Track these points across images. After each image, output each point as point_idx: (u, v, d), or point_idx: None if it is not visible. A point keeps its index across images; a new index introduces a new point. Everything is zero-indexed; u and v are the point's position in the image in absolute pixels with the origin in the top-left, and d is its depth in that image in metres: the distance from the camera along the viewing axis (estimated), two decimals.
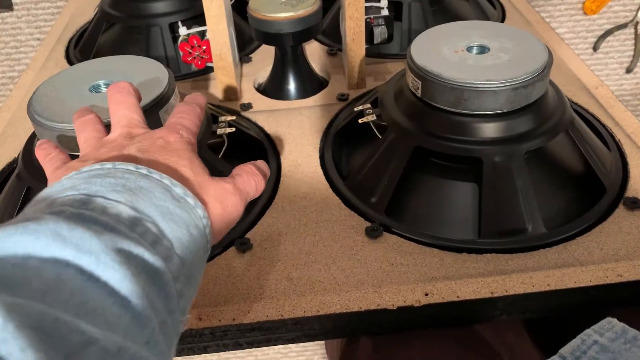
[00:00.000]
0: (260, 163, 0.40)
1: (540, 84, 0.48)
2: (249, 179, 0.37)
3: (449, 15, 0.76)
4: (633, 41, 1.06)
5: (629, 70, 1.07)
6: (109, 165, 0.31)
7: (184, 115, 0.39)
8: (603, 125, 0.59)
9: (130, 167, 0.31)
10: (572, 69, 0.68)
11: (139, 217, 0.28)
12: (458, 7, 0.78)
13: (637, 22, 1.03)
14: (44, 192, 0.29)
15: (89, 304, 0.23)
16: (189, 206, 0.31)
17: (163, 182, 0.31)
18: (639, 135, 0.57)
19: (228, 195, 0.35)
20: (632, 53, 1.06)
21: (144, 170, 0.31)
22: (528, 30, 0.76)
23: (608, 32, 1.04)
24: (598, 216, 0.49)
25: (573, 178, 0.52)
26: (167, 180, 0.31)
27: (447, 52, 0.51)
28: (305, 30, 0.62)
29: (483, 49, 0.51)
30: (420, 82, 0.50)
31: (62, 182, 0.30)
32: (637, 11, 1.03)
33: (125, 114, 0.38)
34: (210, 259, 0.48)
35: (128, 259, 0.26)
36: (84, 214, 0.27)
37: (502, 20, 0.80)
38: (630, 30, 1.05)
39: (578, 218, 0.48)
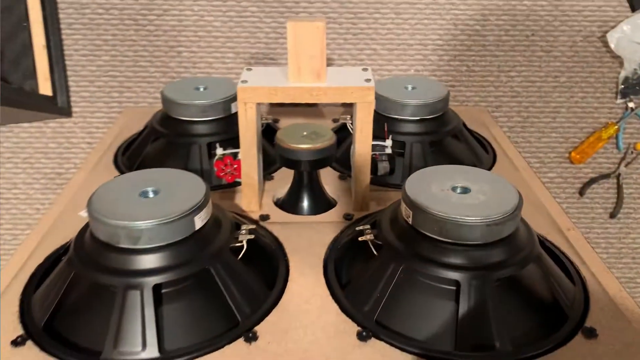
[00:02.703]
0: None
1: (510, 223, 0.58)
2: None
3: (445, 155, 0.88)
4: (616, 190, 1.17)
5: (612, 216, 1.17)
6: None
7: None
8: (571, 262, 0.68)
9: None
10: (550, 212, 0.78)
11: None
12: (454, 149, 0.90)
13: (619, 174, 1.15)
14: None
15: None
16: None
17: None
18: (602, 274, 0.66)
19: None
20: (615, 200, 1.17)
21: None
22: (515, 175, 0.88)
23: (593, 180, 1.16)
24: (558, 341, 0.56)
25: (539, 305, 0.60)
26: None
27: (435, 190, 0.62)
28: (321, 160, 0.74)
29: (465, 190, 0.62)
30: (411, 212, 0.60)
31: None
32: (619, 164, 1.15)
33: None
34: (220, 347, 0.56)
35: None
36: None
37: (493, 164, 0.92)
38: (613, 180, 1.16)
39: (541, 341, 0.56)
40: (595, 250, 0.70)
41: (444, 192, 0.61)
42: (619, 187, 1.16)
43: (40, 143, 1.17)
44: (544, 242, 0.70)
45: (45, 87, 1.12)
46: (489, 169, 0.90)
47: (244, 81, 0.72)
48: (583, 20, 1.12)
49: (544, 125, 1.17)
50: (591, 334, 0.57)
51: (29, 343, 0.56)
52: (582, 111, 1.17)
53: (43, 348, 0.55)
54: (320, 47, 0.69)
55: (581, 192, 1.17)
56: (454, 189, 0.62)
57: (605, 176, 1.16)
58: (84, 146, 1.18)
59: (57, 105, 1.14)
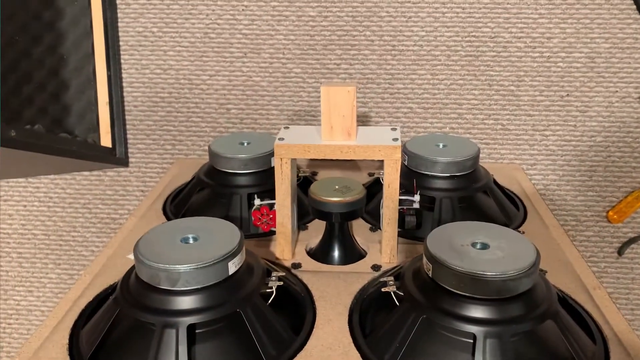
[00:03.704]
0: None
1: (526, 279, 0.60)
2: None
3: (474, 211, 0.91)
4: None
5: None
6: None
7: None
8: (594, 321, 0.68)
9: None
10: (577, 270, 0.79)
11: None
12: (484, 205, 0.93)
13: None
14: None
15: None
16: None
17: None
18: (625, 334, 0.66)
19: None
20: None
21: None
22: (544, 232, 0.90)
23: (632, 240, 1.15)
24: None
25: None
26: None
27: (456, 245, 0.65)
28: (350, 212, 0.79)
29: (484, 246, 0.65)
30: (431, 265, 0.63)
31: None
32: None
33: None
34: None
35: None
36: None
37: (523, 220, 0.94)
38: None
39: None
40: (620, 311, 0.70)
41: (464, 247, 0.64)
42: None
43: (98, 190, 1.27)
44: (566, 300, 0.71)
45: (106, 140, 1.23)
46: (519, 225, 0.92)
47: (281, 138, 0.78)
48: (619, 82, 1.14)
49: (580, 184, 1.18)
50: None
51: None
52: (619, 170, 1.17)
53: None
54: (350, 108, 0.75)
55: (620, 252, 1.16)
56: (473, 244, 0.65)
57: None
58: (137, 194, 1.27)
59: (115, 156, 1.24)
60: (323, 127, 0.77)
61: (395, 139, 0.77)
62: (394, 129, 0.81)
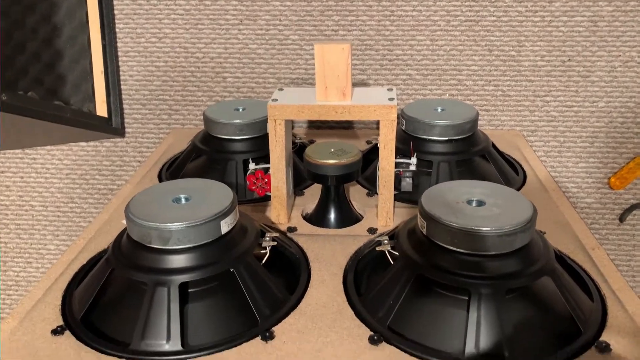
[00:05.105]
0: None
1: (523, 234, 0.59)
2: None
3: (473, 175, 0.89)
4: None
5: None
6: None
7: None
8: (592, 280, 0.67)
9: None
10: (576, 232, 0.78)
11: None
12: (482, 169, 0.91)
13: None
14: None
15: None
16: None
17: None
18: (623, 291, 0.65)
19: None
20: None
21: None
22: (544, 195, 0.88)
23: (634, 207, 1.13)
24: (570, 354, 0.56)
25: (552, 318, 0.60)
26: None
27: (451, 202, 0.64)
28: (346, 175, 0.78)
29: (480, 203, 0.64)
30: (426, 222, 0.62)
31: None
32: None
33: None
34: (238, 344, 0.59)
35: None
36: None
37: (522, 185, 0.92)
38: None
39: (552, 353, 0.56)
40: (619, 270, 0.69)
41: (459, 204, 0.63)
42: None
43: (95, 161, 1.27)
44: (564, 259, 0.70)
45: (101, 109, 1.21)
46: (518, 189, 0.91)
47: (275, 99, 0.76)
48: (622, 46, 1.12)
49: (581, 150, 1.16)
50: (605, 348, 0.56)
51: (67, 333, 0.61)
52: (621, 136, 1.15)
53: (79, 337, 0.61)
54: (345, 67, 0.74)
55: (621, 219, 1.15)
56: (469, 201, 0.64)
57: None
58: (134, 164, 1.26)
59: (111, 126, 1.23)
60: (317, 87, 0.75)
61: (391, 99, 0.75)
62: (390, 89, 0.79)
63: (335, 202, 0.82)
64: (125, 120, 1.25)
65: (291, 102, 0.76)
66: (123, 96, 1.24)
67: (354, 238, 0.77)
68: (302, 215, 0.85)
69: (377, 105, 0.74)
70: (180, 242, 0.61)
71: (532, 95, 1.15)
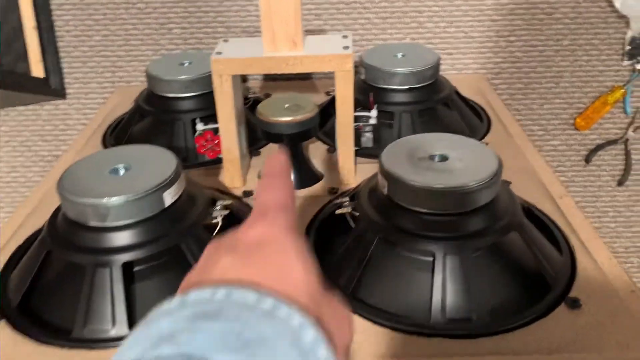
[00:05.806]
0: None
1: (487, 190, 0.56)
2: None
3: (436, 124, 0.85)
4: (624, 156, 1.12)
5: (620, 183, 1.13)
6: (221, 294, 0.23)
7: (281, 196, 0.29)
8: (560, 231, 0.65)
9: (250, 297, 0.23)
10: (543, 179, 0.75)
11: None
12: (445, 118, 0.87)
13: (626, 139, 1.11)
14: (133, 338, 0.22)
15: None
16: None
17: (291, 324, 0.22)
18: (592, 242, 0.63)
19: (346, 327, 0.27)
20: (623, 167, 1.13)
21: (268, 303, 0.23)
22: (508, 141, 0.85)
23: (599, 147, 1.12)
24: (540, 312, 0.54)
25: (520, 275, 0.57)
26: (297, 319, 0.23)
27: (412, 159, 0.59)
28: (302, 132, 0.72)
29: (443, 158, 0.60)
30: (386, 182, 0.58)
31: (160, 323, 0.22)
32: (627, 129, 1.11)
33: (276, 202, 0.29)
34: None
35: None
36: None
37: (487, 132, 0.89)
38: (620, 146, 1.12)
39: (521, 312, 0.54)
40: (587, 218, 0.67)
41: (421, 161, 0.59)
42: (627, 153, 1.11)
43: (36, 126, 1.18)
44: (531, 211, 0.67)
45: (37, 69, 1.12)
46: (482, 136, 0.87)
47: (219, 52, 0.70)
48: None
49: (546, 91, 1.13)
50: (575, 304, 0.54)
51: (3, 323, 0.56)
52: (586, 75, 1.12)
53: (16, 327, 0.55)
54: (294, 11, 0.67)
55: (587, 160, 1.13)
56: (431, 157, 0.60)
57: (612, 142, 1.11)
58: (79, 128, 1.18)
59: (50, 87, 1.13)
60: (264, 36, 0.68)
61: (346, 47, 0.69)
62: (345, 37, 0.73)
63: (292, 161, 0.77)
64: (66, 80, 1.15)
65: (236, 55, 0.69)
66: (61, 54, 1.14)
67: (314, 199, 0.73)
68: (258, 177, 0.80)
69: (332, 55, 0.68)
70: (119, 218, 0.56)
71: (495, 35, 1.10)
